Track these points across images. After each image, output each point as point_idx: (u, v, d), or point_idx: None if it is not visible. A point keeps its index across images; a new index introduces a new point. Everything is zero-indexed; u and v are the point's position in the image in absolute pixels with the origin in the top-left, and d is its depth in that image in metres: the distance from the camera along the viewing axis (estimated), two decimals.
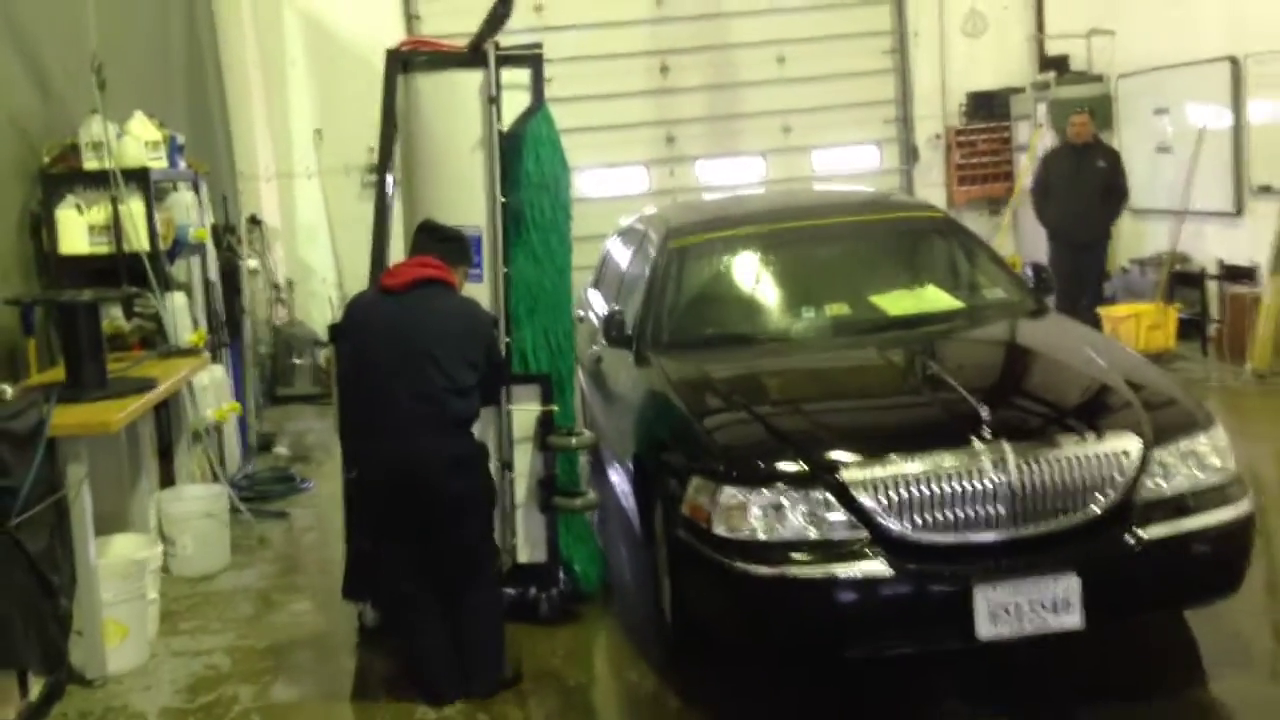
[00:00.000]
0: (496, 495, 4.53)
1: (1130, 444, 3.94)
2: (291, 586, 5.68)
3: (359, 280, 11.09)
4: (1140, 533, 3.83)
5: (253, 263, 9.54)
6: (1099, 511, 3.85)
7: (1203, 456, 4.03)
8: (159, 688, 4.58)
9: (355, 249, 11.14)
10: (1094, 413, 4.14)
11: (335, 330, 4.95)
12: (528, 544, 4.88)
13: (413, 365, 4.16)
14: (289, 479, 7.55)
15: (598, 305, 6.81)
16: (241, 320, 8.32)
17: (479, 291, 4.77)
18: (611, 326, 5.51)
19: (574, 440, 4.87)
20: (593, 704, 4.27)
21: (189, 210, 6.75)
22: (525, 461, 4.86)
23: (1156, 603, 4.04)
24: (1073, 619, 3.76)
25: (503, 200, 4.81)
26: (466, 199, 4.82)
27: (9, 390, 4.22)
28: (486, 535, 4.42)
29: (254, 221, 10.48)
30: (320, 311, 11.26)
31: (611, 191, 11.01)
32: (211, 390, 6.70)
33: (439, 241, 4.44)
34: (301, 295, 11.24)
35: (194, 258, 7.03)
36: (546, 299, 4.95)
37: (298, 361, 10.86)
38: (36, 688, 4.27)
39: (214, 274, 7.48)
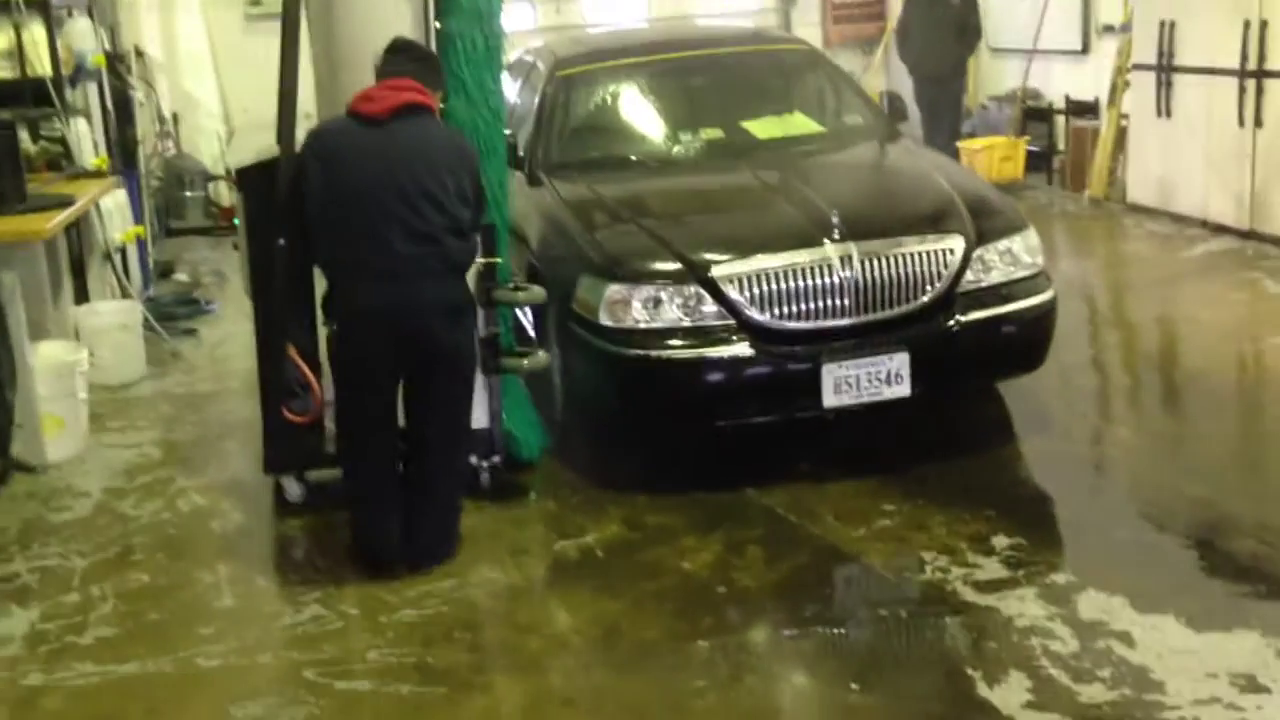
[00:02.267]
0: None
1: (956, 244, 4.61)
2: (210, 392, 6.13)
3: (247, 115, 11.28)
4: (960, 317, 4.53)
5: (140, 94, 9.60)
6: (927, 300, 4.53)
7: (1017, 254, 4.74)
8: (98, 472, 5.05)
9: (240, 83, 11.25)
10: (927, 218, 4.78)
11: (243, 172, 4.50)
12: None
13: (408, 203, 3.77)
14: (193, 301, 7.89)
15: None
16: (136, 149, 8.49)
17: None
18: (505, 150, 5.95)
19: (520, 295, 4.52)
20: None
21: (85, 36, 6.89)
22: None
23: (973, 375, 4.78)
24: (903, 389, 4.46)
25: (437, 26, 4.35)
26: (394, 23, 4.26)
27: None
28: (470, 396, 4.14)
29: (138, 53, 10.45)
30: (208, 145, 11.36)
31: None
32: (117, 213, 6.97)
33: (416, 61, 3.97)
34: (188, 129, 11.28)
35: (91, 84, 7.19)
36: (480, 142, 4.47)
37: (189, 194, 11.00)
38: None
39: (109, 102, 7.64)
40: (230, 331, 7.31)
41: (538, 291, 4.59)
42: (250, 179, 4.40)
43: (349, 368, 3.94)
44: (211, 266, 9.48)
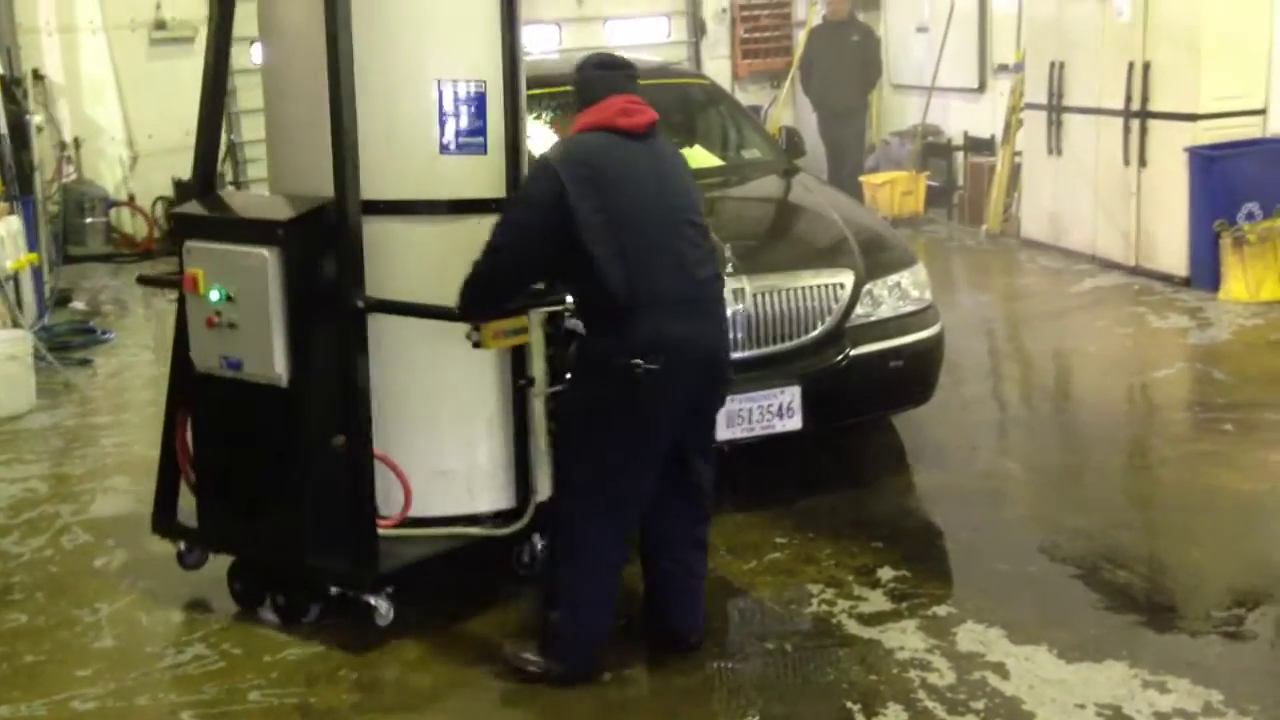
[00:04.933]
0: None
1: (846, 278, 4.71)
2: (102, 425, 6.01)
3: (152, 140, 11.11)
4: (850, 351, 4.62)
5: (38, 119, 9.41)
6: (818, 334, 4.61)
7: (905, 290, 4.85)
8: None
9: (145, 107, 11.09)
10: (819, 253, 4.89)
11: (292, 226, 3.57)
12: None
13: (693, 225, 3.43)
14: (89, 330, 7.75)
15: None
16: (31, 175, 8.31)
17: (481, 167, 3.72)
18: None
19: None
20: None
21: None
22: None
23: (864, 409, 4.86)
24: (794, 422, 4.53)
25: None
26: (462, 39, 3.70)
27: None
28: None
29: (37, 76, 10.26)
30: (111, 171, 11.19)
31: None
32: (9, 240, 6.82)
33: (632, 79, 3.52)
34: (90, 154, 11.09)
35: None
36: None
37: (89, 220, 10.81)
38: None
39: (3, 127, 7.48)
40: (127, 362, 7.20)
41: None
42: (298, 233, 3.57)
43: (636, 424, 3.35)
44: (112, 294, 9.33)
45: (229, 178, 11.54)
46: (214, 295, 3.69)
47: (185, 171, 11.99)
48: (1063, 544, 4.22)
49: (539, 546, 4.01)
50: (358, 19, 3.50)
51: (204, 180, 4.11)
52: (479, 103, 3.69)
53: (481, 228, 3.48)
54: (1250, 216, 7.13)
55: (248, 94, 11.42)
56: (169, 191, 11.25)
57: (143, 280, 4.65)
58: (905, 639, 3.59)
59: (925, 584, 3.94)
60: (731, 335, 4.46)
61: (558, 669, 3.44)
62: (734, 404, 4.44)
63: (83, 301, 8.73)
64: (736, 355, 4.46)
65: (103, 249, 10.71)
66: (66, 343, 7.42)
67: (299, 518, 3.69)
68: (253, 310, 3.62)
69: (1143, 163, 7.64)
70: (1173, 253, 7.50)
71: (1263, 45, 7.21)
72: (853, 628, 3.68)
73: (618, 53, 3.94)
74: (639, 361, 3.26)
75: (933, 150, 10.33)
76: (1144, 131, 7.59)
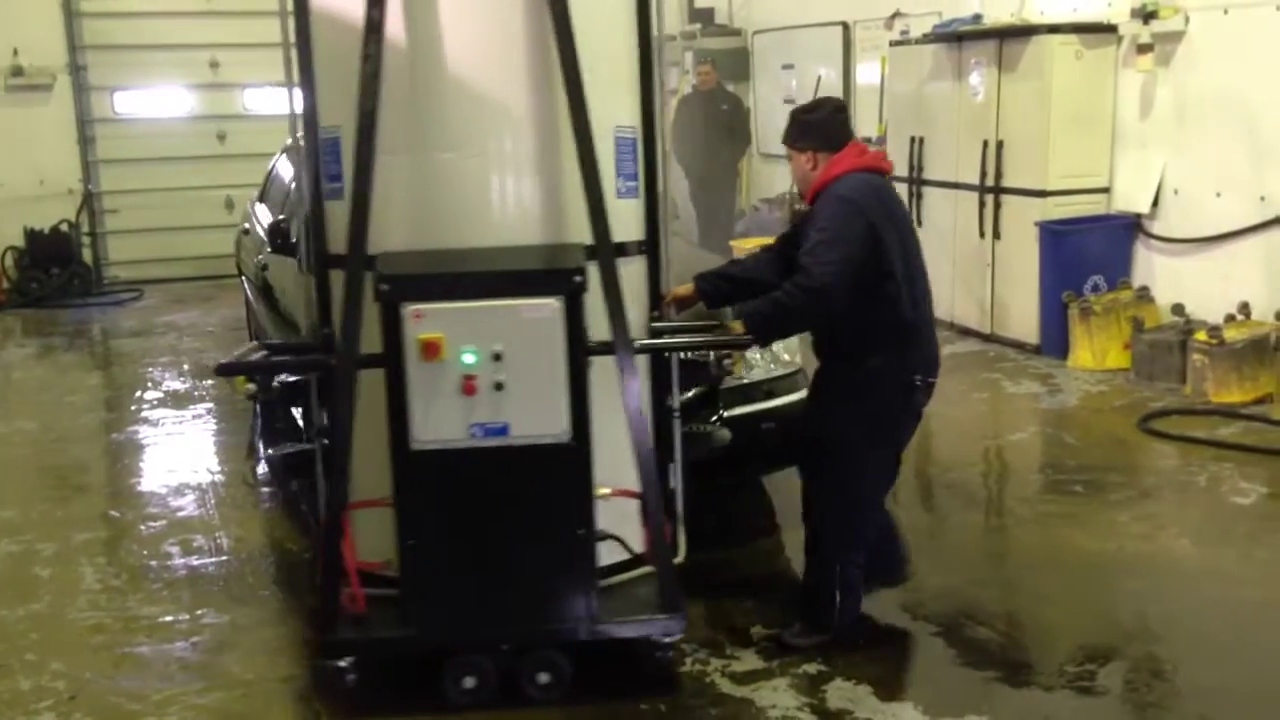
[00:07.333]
0: None
1: None
2: None
3: (3, 190, 10.73)
4: (724, 413, 4.69)
5: None
6: (691, 396, 4.67)
7: (777, 354, 4.97)
8: None
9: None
10: (691, 316, 4.95)
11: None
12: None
13: (923, 258, 3.99)
14: None
15: (263, 218, 7.09)
16: None
17: (634, 210, 3.86)
18: (277, 235, 5.87)
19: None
20: None
21: None
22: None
23: (736, 469, 4.94)
24: (669, 481, 4.56)
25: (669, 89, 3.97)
26: (623, 87, 3.79)
27: None
28: None
29: None
30: None
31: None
32: None
33: None
34: None
35: None
36: None
37: None
38: None
39: None
40: None
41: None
42: (583, 281, 3.46)
43: (907, 431, 4.04)
44: None
45: (85, 229, 11.23)
46: (468, 358, 3.38)
47: (39, 221, 11.81)
48: (925, 601, 4.34)
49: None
50: (555, 74, 3.48)
51: (361, 238, 3.50)
52: (633, 149, 3.81)
53: (629, 269, 3.74)
54: (1096, 288, 7.53)
55: (107, 144, 11.21)
56: (20, 242, 10.88)
57: (224, 370, 3.78)
58: (777, 697, 3.64)
59: None
60: None
61: (827, 638, 3.93)
62: None
63: None
64: None
65: None
66: None
67: (585, 579, 3.55)
68: (532, 366, 3.42)
69: (997, 235, 8.00)
70: (1024, 322, 7.84)
71: (1106, 128, 7.64)
72: (726, 687, 3.72)
73: None
74: (919, 376, 3.84)
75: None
76: (998, 206, 7.96)
